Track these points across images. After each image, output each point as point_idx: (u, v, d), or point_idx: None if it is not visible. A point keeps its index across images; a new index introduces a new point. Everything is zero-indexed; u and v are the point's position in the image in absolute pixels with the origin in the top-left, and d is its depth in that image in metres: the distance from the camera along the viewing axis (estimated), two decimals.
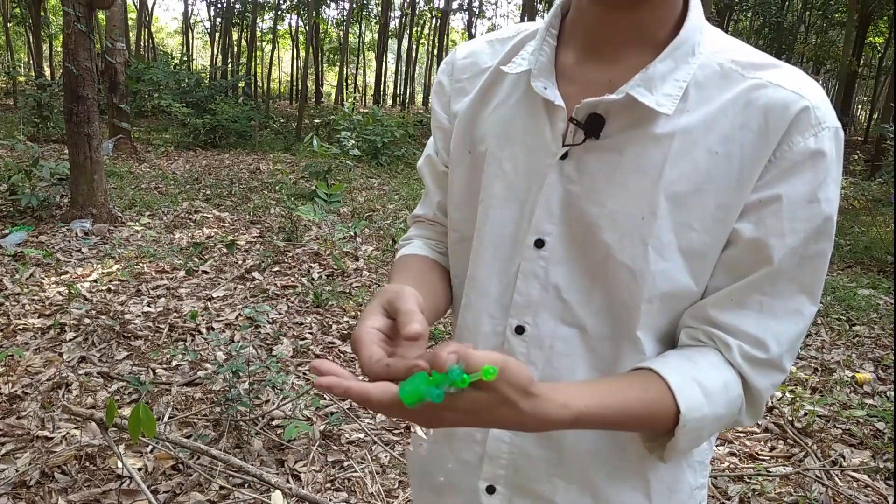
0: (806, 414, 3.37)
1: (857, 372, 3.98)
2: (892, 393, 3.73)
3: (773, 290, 0.72)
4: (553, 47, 0.81)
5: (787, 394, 3.58)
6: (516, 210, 0.81)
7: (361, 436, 2.98)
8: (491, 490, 0.88)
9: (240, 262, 5.47)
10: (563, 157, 0.78)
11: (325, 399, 3.21)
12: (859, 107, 33.86)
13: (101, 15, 11.20)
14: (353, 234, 6.33)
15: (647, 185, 0.73)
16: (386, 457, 2.84)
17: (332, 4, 28.65)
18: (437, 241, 0.99)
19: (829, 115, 0.71)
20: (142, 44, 26.69)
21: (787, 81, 0.72)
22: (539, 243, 0.79)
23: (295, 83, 32.11)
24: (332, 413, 3.11)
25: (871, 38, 20.90)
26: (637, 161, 0.74)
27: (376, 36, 32.56)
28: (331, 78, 40.39)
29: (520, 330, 0.82)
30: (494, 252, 0.83)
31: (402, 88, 32.45)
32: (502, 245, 0.83)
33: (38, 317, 4.04)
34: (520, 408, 0.62)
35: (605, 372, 0.80)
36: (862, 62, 20.50)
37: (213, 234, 6.42)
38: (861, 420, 3.37)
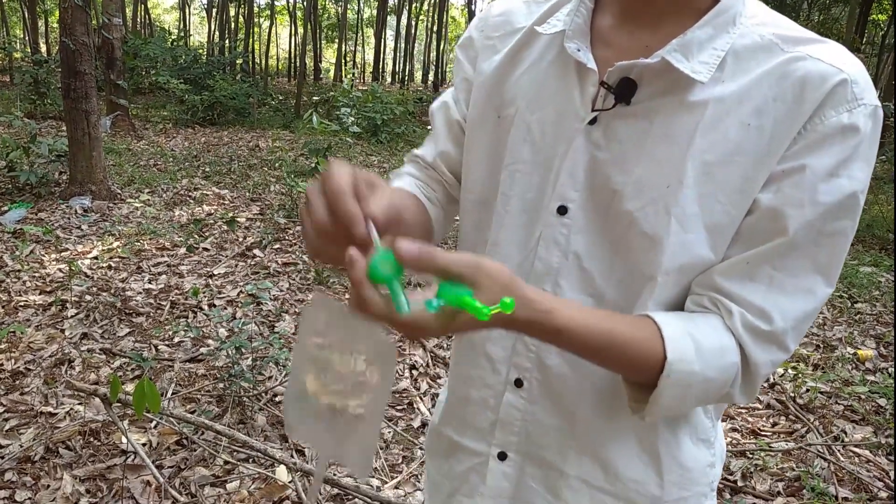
0: (808, 390, 3.38)
1: (859, 349, 3.99)
2: (894, 369, 3.74)
3: (786, 265, 0.70)
4: (590, 10, 0.79)
5: (790, 370, 3.59)
6: (541, 176, 0.80)
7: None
8: (503, 456, 0.87)
9: (240, 240, 5.45)
10: (592, 122, 0.76)
11: None
12: None
13: None
14: None
15: (676, 153, 0.71)
16: (389, 432, 2.84)
17: None
18: (427, 186, 0.95)
19: (869, 93, 0.69)
20: (138, 20, 26.41)
21: (828, 55, 0.69)
22: (562, 210, 0.78)
23: (293, 60, 31.84)
24: None
25: (874, 16, 20.68)
26: (668, 129, 0.72)
27: (375, 12, 32.25)
28: (329, 55, 40.10)
29: None
30: (518, 218, 0.82)
31: (402, 65, 32.19)
32: (526, 211, 0.81)
33: (39, 293, 4.03)
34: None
35: None
36: (865, 40, 20.32)
37: (213, 211, 6.40)
38: (863, 396, 3.38)
